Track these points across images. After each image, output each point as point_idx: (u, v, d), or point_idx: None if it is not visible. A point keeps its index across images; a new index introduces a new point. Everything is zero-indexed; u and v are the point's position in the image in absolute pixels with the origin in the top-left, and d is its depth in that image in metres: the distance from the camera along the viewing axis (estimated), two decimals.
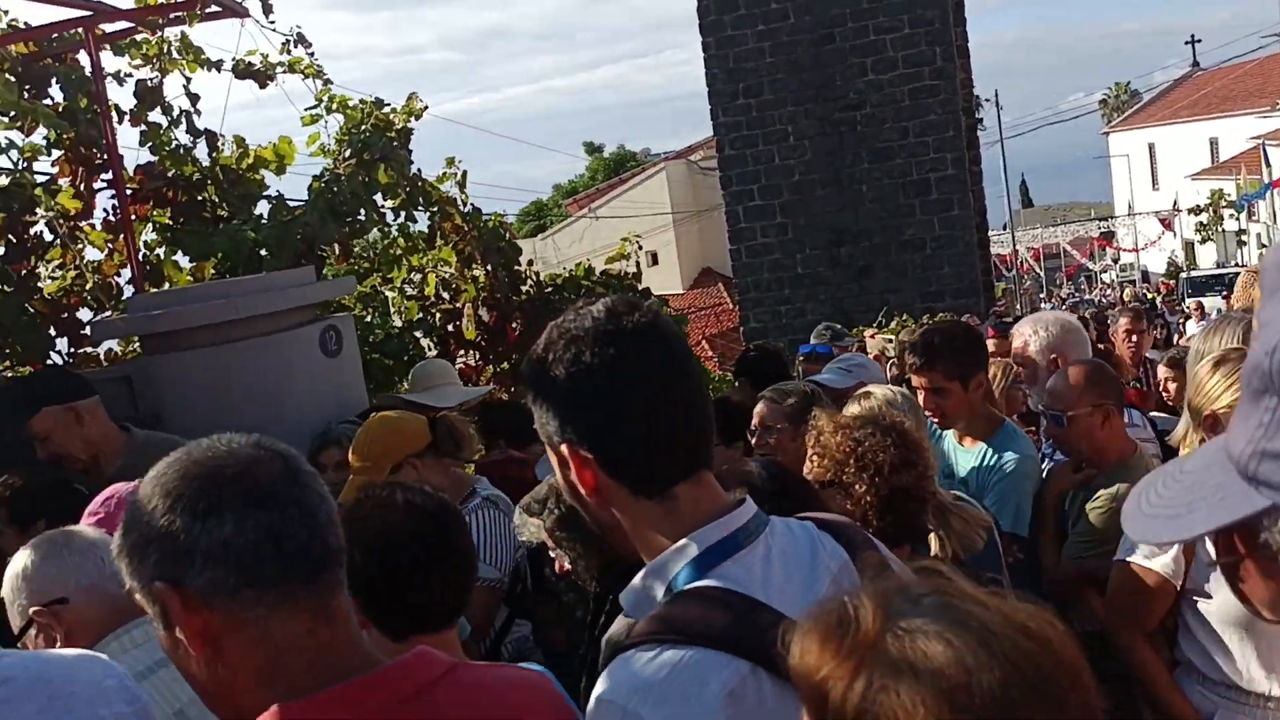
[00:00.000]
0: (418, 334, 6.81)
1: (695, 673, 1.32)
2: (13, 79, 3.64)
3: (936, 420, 3.70)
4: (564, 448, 1.46)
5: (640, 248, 7.08)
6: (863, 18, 13.78)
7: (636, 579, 1.49)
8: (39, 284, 6.15)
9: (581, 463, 1.45)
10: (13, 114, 5.05)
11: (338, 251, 6.22)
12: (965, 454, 3.70)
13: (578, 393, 1.45)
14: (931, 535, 2.69)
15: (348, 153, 5.53)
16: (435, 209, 6.09)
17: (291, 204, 5.75)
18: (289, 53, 5.49)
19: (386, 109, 5.76)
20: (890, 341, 7.38)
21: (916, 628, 0.97)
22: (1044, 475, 3.66)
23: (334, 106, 5.53)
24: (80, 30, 5.05)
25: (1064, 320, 4.52)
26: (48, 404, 3.90)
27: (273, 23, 5.22)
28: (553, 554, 2.78)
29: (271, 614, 1.27)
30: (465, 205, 6.27)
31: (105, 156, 5.72)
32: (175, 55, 5.54)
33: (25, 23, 5.31)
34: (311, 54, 5.47)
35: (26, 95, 4.96)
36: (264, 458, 1.31)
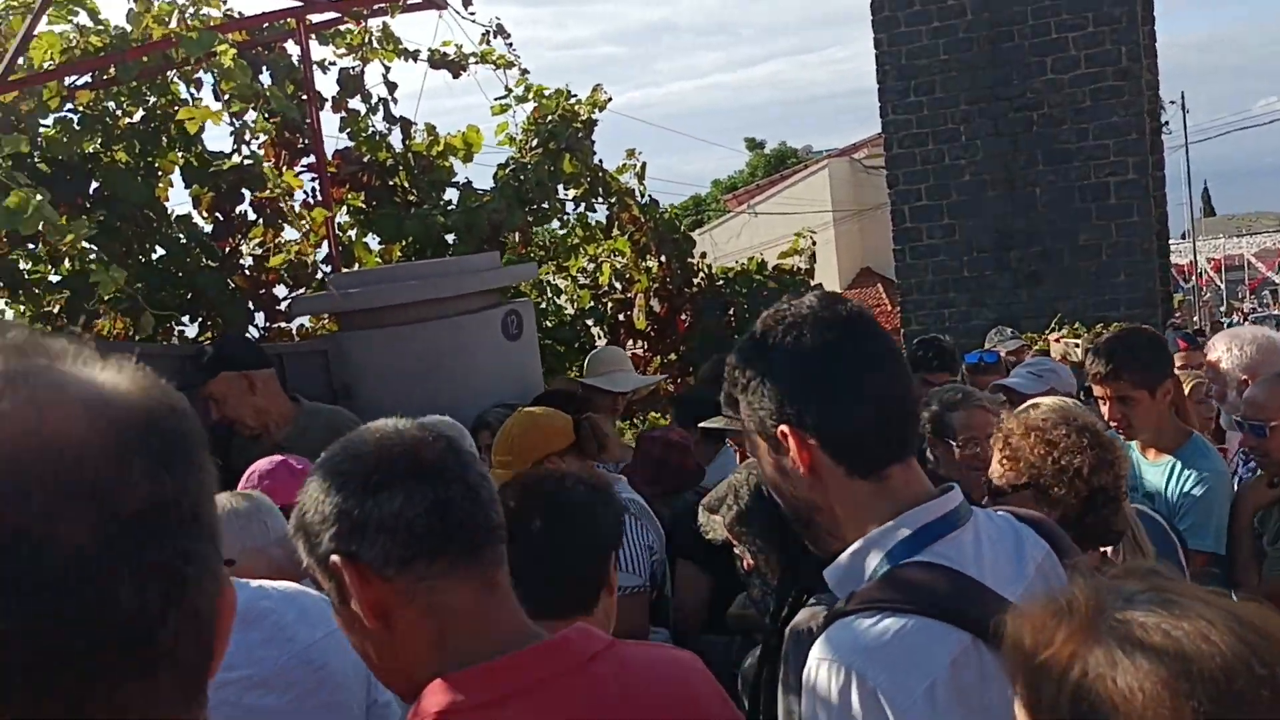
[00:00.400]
0: (589, 322, 6.95)
1: (920, 639, 1.37)
2: (245, 63, 3.89)
3: (1121, 431, 3.56)
4: (782, 428, 1.51)
5: (814, 243, 7.08)
6: (1044, 15, 13.37)
7: (844, 556, 1.53)
8: (240, 260, 6.53)
9: (800, 443, 1.50)
10: (227, 97, 5.38)
11: (517, 238, 6.41)
12: (1151, 467, 3.57)
13: (799, 374, 1.50)
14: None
15: (534, 142, 5.69)
16: (614, 200, 6.21)
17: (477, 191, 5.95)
18: (488, 43, 5.68)
19: (572, 100, 5.91)
20: (1075, 345, 7.15)
21: (1134, 618, 0.99)
22: (1236, 490, 3.52)
23: (529, 96, 5.68)
24: (291, 20, 5.33)
25: (1263, 339, 4.30)
26: (225, 369, 4.10)
27: (472, 13, 5.42)
28: (737, 551, 2.83)
29: (439, 585, 1.32)
30: (643, 197, 6.38)
31: (306, 141, 6.03)
32: (376, 45, 5.80)
33: (239, 13, 5.63)
34: (510, 44, 5.67)
35: None
36: (428, 439, 1.39)
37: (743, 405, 1.58)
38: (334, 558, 1.32)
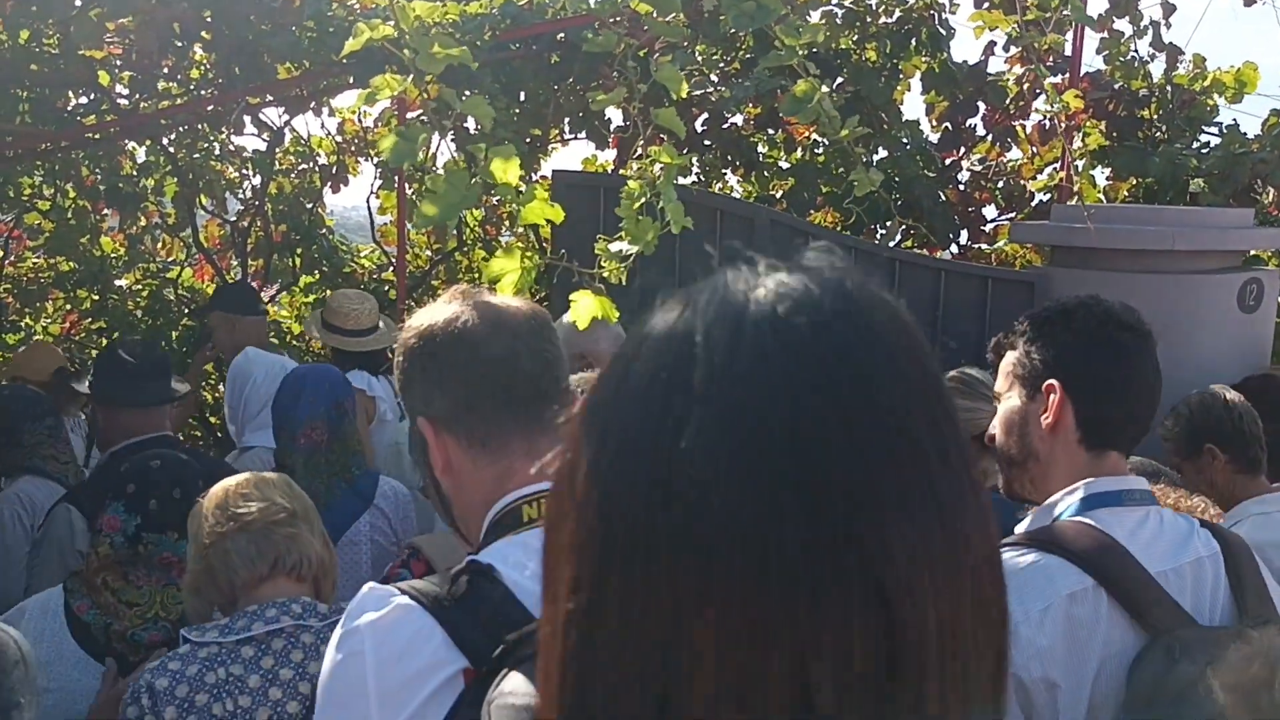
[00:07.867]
0: None
1: (1046, 572, 1.62)
2: None
3: None
4: (1052, 382, 1.74)
5: None
6: None
7: (1041, 508, 1.78)
8: (957, 174, 6.43)
9: (1060, 402, 1.75)
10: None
11: (1271, 197, 5.59)
12: None
13: (1078, 347, 1.74)
14: None
15: None
16: None
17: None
18: None
19: None
20: None
21: None
22: None
23: None
24: None
25: None
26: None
27: None
28: None
29: None
30: None
31: (1056, 60, 5.69)
32: None
33: None
34: None
35: None
36: None
37: (1015, 353, 1.80)
38: None
